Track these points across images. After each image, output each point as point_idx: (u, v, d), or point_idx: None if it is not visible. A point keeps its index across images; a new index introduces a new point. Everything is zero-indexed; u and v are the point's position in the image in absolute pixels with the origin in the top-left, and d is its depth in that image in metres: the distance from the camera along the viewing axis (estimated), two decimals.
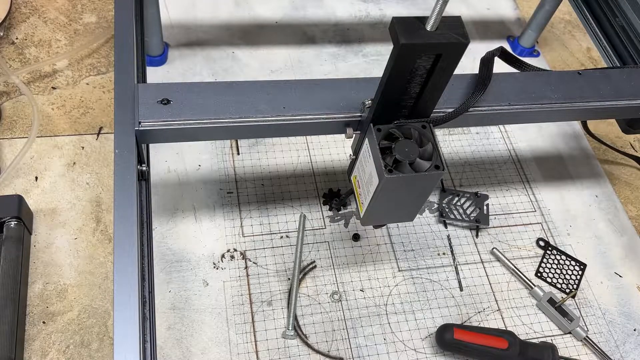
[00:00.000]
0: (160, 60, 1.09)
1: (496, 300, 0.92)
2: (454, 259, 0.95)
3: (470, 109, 0.71)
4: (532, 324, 0.91)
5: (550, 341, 0.88)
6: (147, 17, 0.96)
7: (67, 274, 0.84)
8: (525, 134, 1.13)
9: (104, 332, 0.80)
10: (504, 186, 1.06)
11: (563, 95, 0.77)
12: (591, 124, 1.12)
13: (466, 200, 1.00)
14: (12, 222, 0.80)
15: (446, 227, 0.99)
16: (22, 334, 0.77)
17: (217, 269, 0.88)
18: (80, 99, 1.01)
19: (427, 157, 0.62)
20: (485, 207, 1.00)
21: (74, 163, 0.94)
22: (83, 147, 0.96)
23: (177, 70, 1.09)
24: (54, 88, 1.02)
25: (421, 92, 0.62)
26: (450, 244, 0.97)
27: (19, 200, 0.81)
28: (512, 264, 0.95)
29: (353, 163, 0.72)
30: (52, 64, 1.04)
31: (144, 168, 0.67)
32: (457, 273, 0.94)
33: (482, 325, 0.89)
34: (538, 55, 1.28)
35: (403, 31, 0.53)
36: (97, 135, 0.98)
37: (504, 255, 0.95)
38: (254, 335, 0.83)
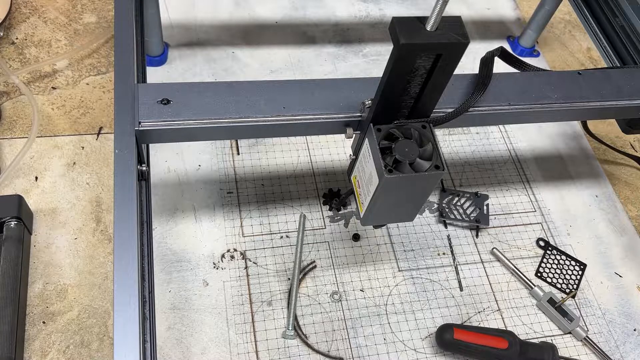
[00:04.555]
0: (160, 60, 1.09)
1: (496, 300, 0.92)
2: (454, 259, 0.95)
3: (470, 109, 0.71)
4: (532, 324, 0.91)
5: (550, 341, 0.88)
6: (147, 17, 0.96)
7: (67, 274, 0.84)
8: (525, 134, 1.13)
9: (104, 332, 0.80)
10: (504, 186, 1.06)
11: (563, 95, 0.77)
12: (591, 124, 1.12)
13: (466, 200, 1.00)
14: (12, 222, 0.80)
15: (446, 227, 0.99)
16: (22, 334, 0.77)
17: (217, 269, 0.88)
18: (80, 99, 1.01)
19: (427, 157, 0.62)
20: (485, 207, 1.00)
21: (74, 163, 0.94)
22: (83, 147, 0.96)
23: (177, 70, 1.09)
24: (54, 88, 1.02)
25: (421, 92, 0.62)
26: (450, 244, 0.97)
27: (19, 200, 0.81)
28: (512, 264, 0.95)
29: (353, 163, 0.72)
30: (52, 64, 1.04)
31: (144, 168, 0.67)
32: (457, 273, 0.94)
33: (482, 325, 0.89)
34: (538, 55, 1.28)
35: (403, 31, 0.53)
36: (97, 135, 0.98)
37: (504, 255, 0.95)
38: (254, 335, 0.83)
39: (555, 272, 0.96)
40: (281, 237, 0.92)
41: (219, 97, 0.67)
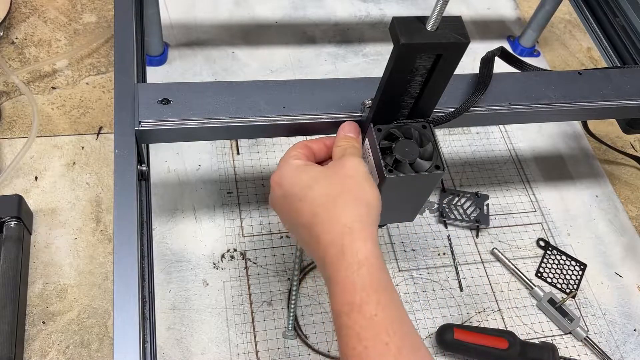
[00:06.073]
0: (160, 60, 1.09)
1: (496, 301, 0.92)
2: (454, 259, 0.95)
3: (470, 109, 0.71)
4: (532, 324, 0.91)
5: (551, 341, 0.88)
6: (147, 17, 0.96)
7: (67, 274, 0.84)
8: (525, 134, 1.13)
9: (104, 332, 0.80)
10: (504, 186, 1.06)
11: (563, 95, 0.76)
12: (591, 124, 1.12)
13: (466, 200, 1.00)
14: (12, 222, 0.80)
15: (446, 227, 0.99)
16: (22, 334, 0.77)
17: (217, 269, 0.88)
18: (80, 99, 1.01)
19: (428, 157, 0.62)
20: (485, 207, 1.00)
21: (74, 163, 0.94)
22: (83, 147, 0.96)
23: (177, 70, 1.09)
24: (53, 88, 1.02)
25: (421, 92, 0.62)
26: (450, 244, 0.97)
27: (18, 200, 0.81)
28: (512, 264, 0.95)
29: None
30: (52, 64, 1.04)
31: (144, 168, 0.66)
32: (457, 273, 0.94)
33: (482, 325, 0.89)
34: (538, 55, 1.28)
35: (403, 31, 0.53)
36: (97, 135, 0.98)
37: (504, 255, 0.95)
38: (254, 335, 0.83)
39: (556, 272, 0.96)
40: (281, 237, 0.92)
41: (219, 97, 0.67)
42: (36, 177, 0.91)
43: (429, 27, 0.54)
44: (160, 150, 0.97)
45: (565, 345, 0.89)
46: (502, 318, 0.91)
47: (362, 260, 0.51)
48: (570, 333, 0.90)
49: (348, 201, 0.54)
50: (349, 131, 0.64)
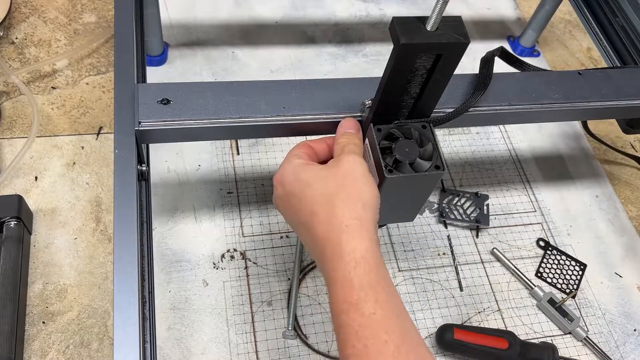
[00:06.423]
0: (160, 60, 1.09)
1: (496, 301, 0.92)
2: (454, 259, 0.95)
3: (470, 109, 0.71)
4: (532, 324, 0.91)
5: (551, 341, 0.88)
6: (147, 17, 0.96)
7: (67, 274, 0.84)
8: (525, 134, 1.13)
9: (104, 332, 0.80)
10: (504, 186, 1.06)
11: (563, 95, 0.76)
12: (591, 124, 1.12)
13: (466, 200, 1.00)
14: (12, 222, 0.80)
15: (446, 227, 0.99)
16: (21, 334, 0.77)
17: (217, 269, 0.88)
18: (80, 99, 1.01)
19: (428, 157, 0.62)
20: (485, 207, 1.00)
21: (74, 163, 0.94)
22: (83, 147, 0.96)
23: (177, 70, 1.09)
24: (53, 88, 1.02)
25: (421, 92, 0.62)
26: (450, 244, 0.97)
27: (18, 200, 0.81)
28: (512, 264, 0.95)
29: None
30: (52, 64, 1.04)
31: (144, 168, 0.66)
32: (457, 273, 0.94)
33: (482, 325, 0.89)
34: (538, 55, 1.28)
35: (403, 31, 0.53)
36: (97, 135, 0.98)
37: (504, 256, 0.95)
38: (254, 335, 0.83)
39: (556, 272, 0.96)
40: (281, 237, 0.92)
41: (219, 97, 0.67)
42: (36, 177, 0.91)
43: (429, 27, 0.54)
44: (160, 150, 0.97)
45: (565, 345, 0.89)
46: (502, 318, 0.91)
47: (359, 258, 0.51)
48: (570, 333, 0.90)
49: (345, 200, 0.54)
50: (348, 127, 0.64)
